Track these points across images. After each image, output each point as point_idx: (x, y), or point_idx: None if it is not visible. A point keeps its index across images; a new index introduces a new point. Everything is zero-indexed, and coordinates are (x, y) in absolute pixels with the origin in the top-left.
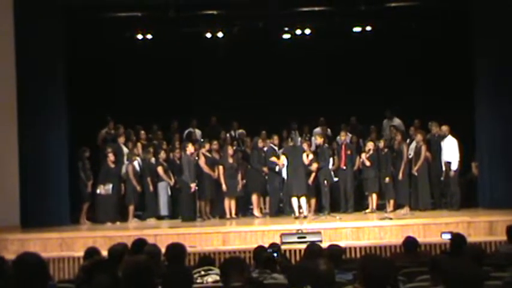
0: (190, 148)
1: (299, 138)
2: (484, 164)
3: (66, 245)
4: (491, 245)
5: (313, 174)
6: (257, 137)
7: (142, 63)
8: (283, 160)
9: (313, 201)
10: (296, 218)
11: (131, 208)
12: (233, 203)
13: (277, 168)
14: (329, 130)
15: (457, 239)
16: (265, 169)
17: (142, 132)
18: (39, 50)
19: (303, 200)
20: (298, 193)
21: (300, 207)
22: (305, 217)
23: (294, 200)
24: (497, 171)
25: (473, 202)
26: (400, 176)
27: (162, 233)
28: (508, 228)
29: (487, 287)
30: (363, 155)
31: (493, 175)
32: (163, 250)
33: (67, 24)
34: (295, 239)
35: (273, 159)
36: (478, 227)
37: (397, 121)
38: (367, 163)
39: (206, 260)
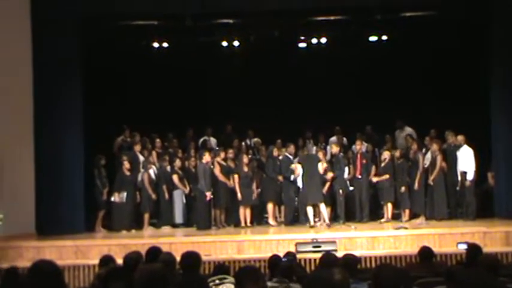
0: (206, 157)
1: (314, 147)
2: (500, 173)
3: (81, 252)
4: (507, 255)
5: (327, 184)
6: (272, 146)
7: (158, 72)
8: (298, 169)
9: (328, 210)
10: (311, 227)
11: (146, 216)
12: (248, 211)
13: (292, 177)
14: (345, 139)
15: (473, 249)
16: (280, 178)
17: (158, 140)
18: (56, 58)
19: (323, 206)
20: (314, 201)
21: (315, 216)
22: (328, 225)
23: (310, 209)
24: None
25: (489, 212)
26: (416, 185)
27: (177, 241)
28: None
29: None
30: (374, 179)
31: (509, 185)
32: (178, 258)
33: (84, 32)
34: (310, 248)
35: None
36: (494, 237)
37: (409, 130)
38: (375, 179)
39: (221, 268)
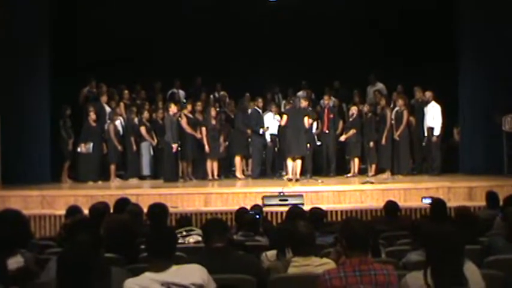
0: (173, 108)
1: (283, 101)
2: (465, 130)
3: (47, 202)
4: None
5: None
6: (242, 99)
7: (128, 21)
8: (284, 120)
9: (296, 164)
10: (290, 180)
11: (113, 167)
12: (215, 164)
13: (261, 131)
14: (312, 94)
15: (437, 203)
16: (249, 131)
17: (126, 92)
18: (23, 7)
19: (299, 162)
20: (296, 154)
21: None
22: (297, 180)
23: (289, 162)
24: (478, 137)
25: (454, 167)
26: (383, 140)
27: (144, 193)
28: (487, 193)
29: (467, 252)
30: (342, 137)
31: (473, 141)
32: (145, 210)
33: None
34: (277, 201)
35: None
36: (458, 192)
37: (380, 85)
38: (343, 138)
39: (184, 220)
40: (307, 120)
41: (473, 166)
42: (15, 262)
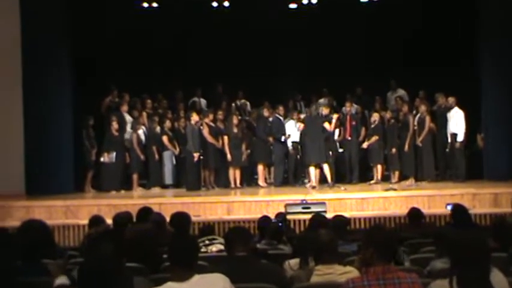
0: (194, 117)
1: (306, 109)
2: (489, 135)
3: (71, 212)
4: (495, 216)
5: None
6: (262, 107)
7: (148, 32)
8: (301, 128)
9: (317, 172)
10: (313, 187)
11: (135, 177)
12: (238, 172)
13: (282, 138)
14: (334, 101)
15: (458, 210)
16: (270, 139)
17: (148, 101)
18: (45, 15)
19: (326, 167)
20: (317, 162)
21: (305, 177)
22: (332, 186)
23: (312, 170)
24: (502, 143)
25: (479, 174)
26: (406, 147)
27: (166, 202)
28: None
29: (493, 259)
30: (364, 144)
31: (498, 147)
32: (168, 219)
33: None
34: (299, 209)
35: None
36: (483, 198)
37: (401, 92)
38: (365, 145)
39: (207, 229)
40: (328, 126)
41: (498, 172)
42: (60, 282)
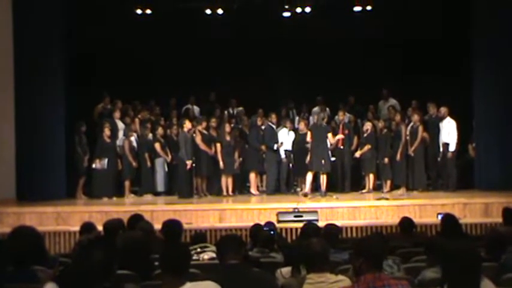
0: (187, 125)
1: (297, 118)
2: (480, 145)
3: (62, 219)
4: (486, 226)
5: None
6: (255, 115)
7: (142, 39)
8: (309, 136)
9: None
10: (305, 195)
11: (127, 183)
12: (230, 180)
13: (275, 147)
14: (327, 109)
15: (448, 219)
16: (263, 147)
17: (140, 108)
18: (38, 21)
19: (324, 177)
20: (318, 170)
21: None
22: (324, 195)
23: (309, 176)
24: (493, 153)
25: (470, 184)
26: (398, 156)
27: (158, 209)
28: (503, 210)
29: (483, 269)
30: (357, 154)
31: (489, 157)
32: (159, 227)
33: None
34: (291, 217)
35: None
36: (474, 208)
37: (393, 101)
38: (358, 154)
39: (199, 236)
40: (331, 137)
41: (489, 182)
42: None
